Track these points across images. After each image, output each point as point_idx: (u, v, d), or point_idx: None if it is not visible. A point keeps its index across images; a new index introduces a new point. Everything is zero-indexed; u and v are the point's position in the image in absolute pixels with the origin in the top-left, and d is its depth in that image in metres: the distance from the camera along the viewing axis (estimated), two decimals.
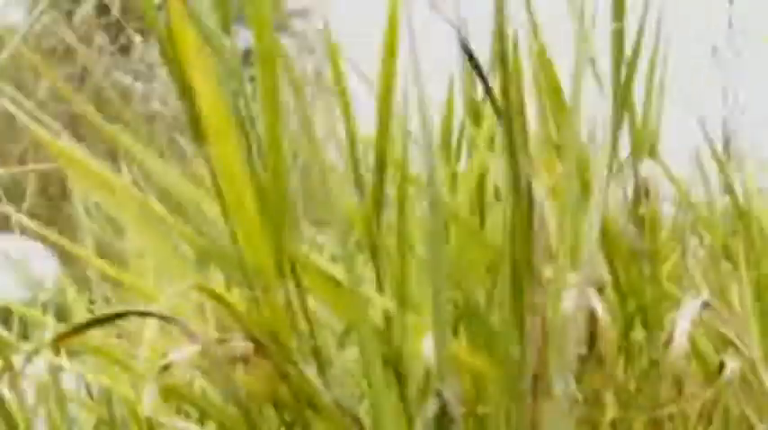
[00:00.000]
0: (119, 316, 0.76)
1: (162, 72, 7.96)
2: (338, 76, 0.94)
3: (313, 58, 9.08)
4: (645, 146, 1.12)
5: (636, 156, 1.10)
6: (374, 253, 0.91)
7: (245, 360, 0.84)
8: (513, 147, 0.83)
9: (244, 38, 0.87)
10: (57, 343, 0.79)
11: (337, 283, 0.87)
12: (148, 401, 0.81)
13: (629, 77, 1.09)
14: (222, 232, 0.86)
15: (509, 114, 0.80)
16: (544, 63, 1.03)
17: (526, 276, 0.84)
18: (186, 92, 0.82)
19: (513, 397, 0.84)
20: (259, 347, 0.83)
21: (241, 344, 0.83)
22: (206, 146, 0.77)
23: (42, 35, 7.74)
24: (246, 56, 0.86)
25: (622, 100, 1.09)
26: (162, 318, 0.75)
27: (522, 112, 0.83)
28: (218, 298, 0.79)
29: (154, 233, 0.90)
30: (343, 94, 0.94)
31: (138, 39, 7.32)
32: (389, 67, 0.90)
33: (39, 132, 0.94)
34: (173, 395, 0.84)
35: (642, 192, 1.09)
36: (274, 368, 0.83)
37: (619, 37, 1.09)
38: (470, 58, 0.82)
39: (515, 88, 0.82)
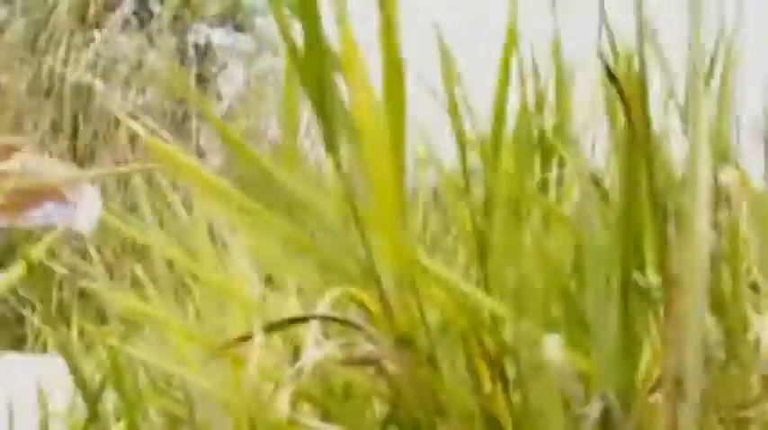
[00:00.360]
0: (291, 321, 0.77)
1: None
2: (450, 81, 0.95)
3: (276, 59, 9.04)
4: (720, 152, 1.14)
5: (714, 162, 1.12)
6: (483, 257, 0.93)
7: (375, 362, 0.86)
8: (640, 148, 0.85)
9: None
10: (221, 351, 0.81)
11: (455, 288, 0.89)
12: (283, 402, 0.82)
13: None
14: (342, 238, 0.87)
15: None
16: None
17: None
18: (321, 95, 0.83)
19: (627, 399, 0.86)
20: (392, 350, 0.84)
21: (371, 347, 0.85)
22: (354, 154, 0.78)
23: None
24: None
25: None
26: (335, 321, 0.76)
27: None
28: (360, 302, 0.81)
29: (265, 237, 0.91)
30: (452, 95, 0.95)
31: None
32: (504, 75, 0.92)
33: (141, 133, 0.95)
34: (304, 396, 0.85)
35: (722, 198, 1.11)
36: (405, 370, 0.85)
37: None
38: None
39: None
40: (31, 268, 1.04)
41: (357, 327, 0.79)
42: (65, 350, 1.08)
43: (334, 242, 0.87)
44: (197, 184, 0.92)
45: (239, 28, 8.95)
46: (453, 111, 0.95)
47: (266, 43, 9.00)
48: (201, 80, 8.33)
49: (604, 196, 1.02)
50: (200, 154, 7.29)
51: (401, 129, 0.79)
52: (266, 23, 9.29)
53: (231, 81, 8.99)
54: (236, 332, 0.92)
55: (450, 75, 0.95)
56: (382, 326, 0.84)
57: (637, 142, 0.89)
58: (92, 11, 7.51)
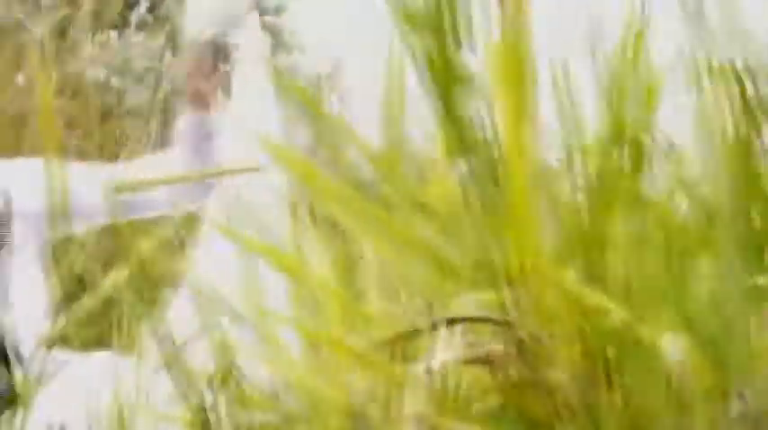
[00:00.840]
0: (450, 322, 0.79)
1: None
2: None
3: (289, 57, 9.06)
4: None
5: None
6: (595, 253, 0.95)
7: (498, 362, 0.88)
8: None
9: None
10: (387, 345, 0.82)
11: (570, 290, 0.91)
12: (414, 402, 0.84)
13: None
14: (465, 238, 0.89)
15: None
16: None
17: None
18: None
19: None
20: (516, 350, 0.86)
21: (498, 347, 0.87)
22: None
23: None
24: None
25: None
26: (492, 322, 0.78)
27: None
28: (489, 304, 0.83)
29: (384, 238, 0.92)
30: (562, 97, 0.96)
31: None
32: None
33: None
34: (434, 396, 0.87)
35: None
36: (528, 370, 0.87)
37: None
38: None
39: None
40: (141, 265, 1.05)
41: (503, 325, 0.81)
42: (164, 347, 1.09)
43: (456, 243, 0.89)
44: (314, 186, 0.93)
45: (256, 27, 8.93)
46: (560, 111, 0.97)
47: (282, 42, 9.01)
48: None
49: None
50: None
51: (531, 128, 0.81)
52: (282, 22, 9.31)
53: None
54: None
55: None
56: (507, 326, 0.86)
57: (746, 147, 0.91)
58: (110, 11, 7.54)
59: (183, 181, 1.42)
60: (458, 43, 0.82)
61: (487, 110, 0.87)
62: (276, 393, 1.07)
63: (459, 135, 0.84)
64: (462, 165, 0.86)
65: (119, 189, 1.11)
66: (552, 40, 0.97)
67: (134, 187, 1.15)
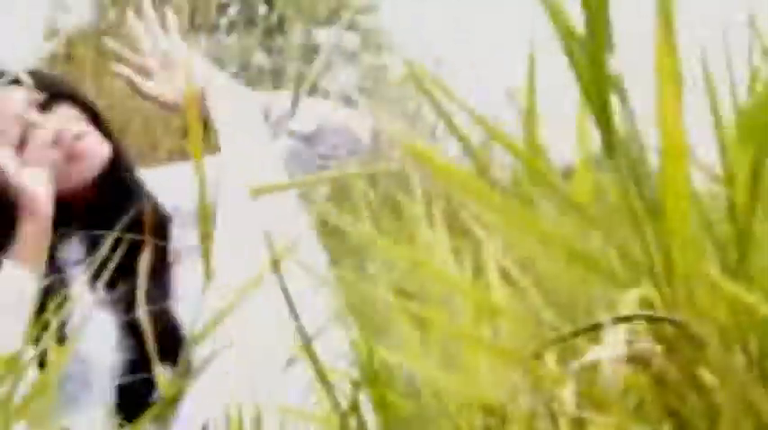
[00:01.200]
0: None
1: None
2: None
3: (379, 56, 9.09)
4: None
5: None
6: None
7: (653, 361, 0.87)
8: None
9: None
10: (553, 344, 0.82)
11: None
12: (569, 400, 0.84)
13: None
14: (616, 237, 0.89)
15: None
16: None
17: None
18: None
19: None
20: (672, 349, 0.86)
21: (651, 346, 0.86)
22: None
23: None
24: None
25: None
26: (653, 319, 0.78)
27: None
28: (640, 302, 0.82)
29: (540, 244, 0.92)
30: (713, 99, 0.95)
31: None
32: None
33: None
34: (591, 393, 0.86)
35: None
36: (684, 370, 0.86)
37: None
38: None
39: None
40: None
41: (663, 323, 0.80)
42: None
43: (605, 241, 0.89)
44: (454, 184, 0.93)
45: (346, 27, 9.01)
46: (713, 112, 0.96)
47: (372, 42, 9.05)
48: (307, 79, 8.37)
49: None
50: None
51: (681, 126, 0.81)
52: (372, 21, 9.35)
53: (337, 80, 9.05)
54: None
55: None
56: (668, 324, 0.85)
57: None
58: (200, 14, 7.61)
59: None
60: (610, 46, 0.82)
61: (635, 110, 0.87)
62: (417, 391, 1.07)
63: (610, 134, 0.84)
64: (609, 163, 0.85)
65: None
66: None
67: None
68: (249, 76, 8.31)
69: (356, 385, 1.05)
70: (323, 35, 8.86)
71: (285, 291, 0.97)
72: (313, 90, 8.55)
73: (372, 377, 1.03)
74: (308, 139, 1.85)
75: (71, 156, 1.76)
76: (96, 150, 1.75)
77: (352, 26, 8.80)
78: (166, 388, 0.97)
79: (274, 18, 8.58)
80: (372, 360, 1.04)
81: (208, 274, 1.01)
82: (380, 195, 1.22)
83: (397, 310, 1.05)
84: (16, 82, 1.76)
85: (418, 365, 1.05)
